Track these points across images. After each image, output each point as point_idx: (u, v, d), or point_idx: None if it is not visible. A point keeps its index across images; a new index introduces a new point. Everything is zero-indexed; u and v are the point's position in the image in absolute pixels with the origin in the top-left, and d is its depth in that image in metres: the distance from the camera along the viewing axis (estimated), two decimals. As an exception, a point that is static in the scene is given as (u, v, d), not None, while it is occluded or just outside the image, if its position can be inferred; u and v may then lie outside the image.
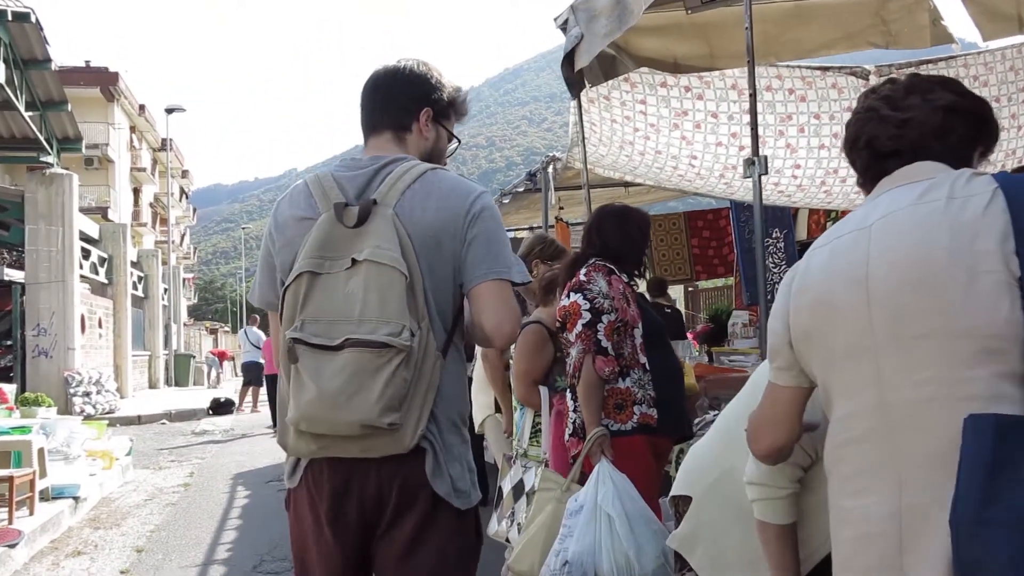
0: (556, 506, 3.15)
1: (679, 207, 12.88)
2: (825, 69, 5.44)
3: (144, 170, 38.38)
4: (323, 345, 1.77)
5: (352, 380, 1.74)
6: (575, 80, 4.89)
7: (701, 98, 5.38)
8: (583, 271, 3.34)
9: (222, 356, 32.04)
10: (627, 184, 7.22)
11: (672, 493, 2.38)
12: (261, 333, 15.79)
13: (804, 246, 8.68)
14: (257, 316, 16.89)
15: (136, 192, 38.70)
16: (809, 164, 5.74)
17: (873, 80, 5.51)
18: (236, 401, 17.62)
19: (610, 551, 2.82)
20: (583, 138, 4.97)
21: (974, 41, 5.06)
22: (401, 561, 1.89)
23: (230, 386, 24.92)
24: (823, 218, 10.40)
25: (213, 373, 29.60)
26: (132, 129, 36.85)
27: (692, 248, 10.95)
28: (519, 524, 4.03)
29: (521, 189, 7.64)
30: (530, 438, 3.97)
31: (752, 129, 3.49)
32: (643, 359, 3.32)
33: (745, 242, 8.90)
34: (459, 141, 2.19)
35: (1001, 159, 5.96)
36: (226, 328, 49.21)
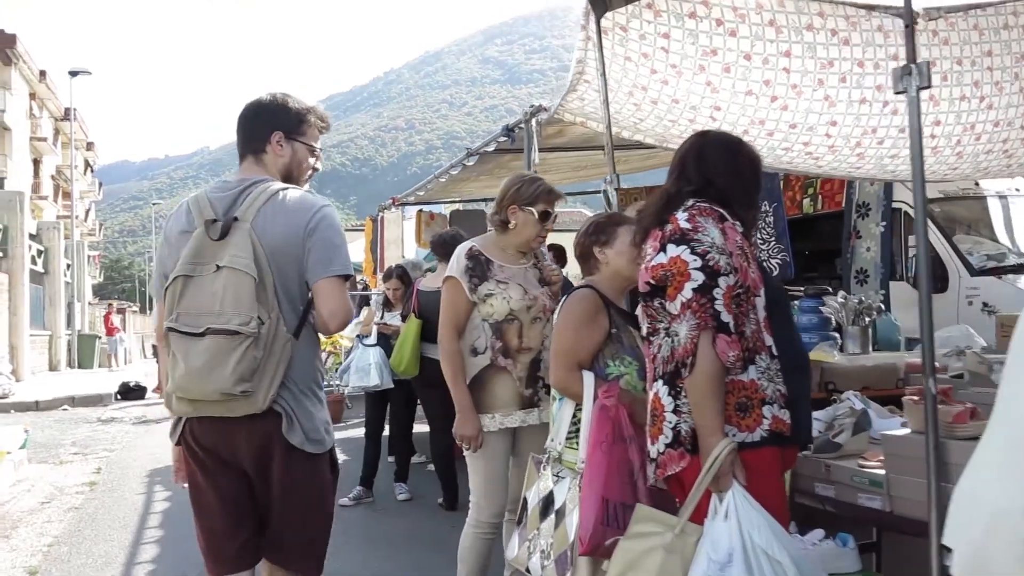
0: (666, 558, 2.21)
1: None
2: (871, 8, 4.64)
3: (45, 140, 36.02)
4: (190, 332, 2.26)
5: (212, 359, 2.23)
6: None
7: (734, 35, 4.50)
8: (683, 215, 2.36)
9: (111, 331, 28.33)
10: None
11: None
12: None
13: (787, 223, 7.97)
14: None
15: (36, 163, 36.33)
16: (847, 121, 4.93)
17: (921, 24, 4.76)
18: (147, 385, 16.21)
19: None
20: (603, 71, 4.08)
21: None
22: (276, 495, 2.42)
23: (140, 369, 23.27)
24: (799, 194, 9.70)
25: (119, 352, 27.23)
26: (32, 96, 34.55)
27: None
28: (542, 551, 3.15)
29: (491, 149, 6.59)
30: (567, 439, 3.02)
31: (907, 28, 2.62)
32: (769, 340, 2.37)
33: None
34: (320, 149, 2.67)
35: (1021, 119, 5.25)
36: (134, 308, 46.85)
